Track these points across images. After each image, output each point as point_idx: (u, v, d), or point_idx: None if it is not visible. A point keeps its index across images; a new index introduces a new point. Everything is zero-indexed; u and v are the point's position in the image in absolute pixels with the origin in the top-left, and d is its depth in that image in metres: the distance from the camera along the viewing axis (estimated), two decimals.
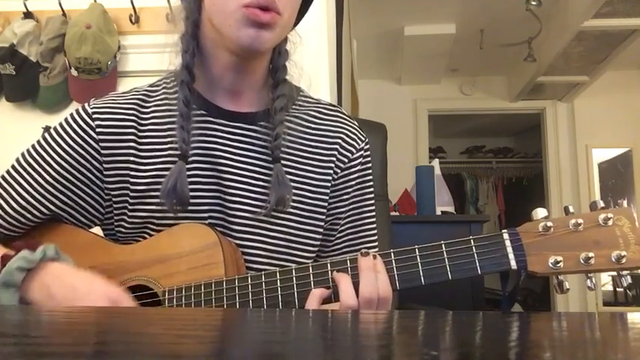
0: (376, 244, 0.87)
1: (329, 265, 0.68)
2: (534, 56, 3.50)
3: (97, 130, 0.78)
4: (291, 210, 0.79)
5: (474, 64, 4.23)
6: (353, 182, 0.85)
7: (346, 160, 0.84)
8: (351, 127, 0.86)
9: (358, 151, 0.85)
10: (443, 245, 0.65)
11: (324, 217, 0.82)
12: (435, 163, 2.39)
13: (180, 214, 0.76)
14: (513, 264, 0.63)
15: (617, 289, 4.14)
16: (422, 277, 0.65)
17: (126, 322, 0.44)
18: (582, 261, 0.60)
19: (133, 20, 1.62)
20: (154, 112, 0.80)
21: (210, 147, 0.78)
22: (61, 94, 1.60)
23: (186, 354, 0.29)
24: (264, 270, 0.71)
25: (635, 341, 0.35)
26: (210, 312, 0.60)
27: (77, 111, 0.80)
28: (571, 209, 0.65)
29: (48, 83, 1.59)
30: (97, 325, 0.42)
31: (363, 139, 0.87)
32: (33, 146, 0.80)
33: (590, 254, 0.60)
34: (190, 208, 0.76)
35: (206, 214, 0.77)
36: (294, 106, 0.84)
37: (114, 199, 0.79)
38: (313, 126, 0.84)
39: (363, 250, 0.67)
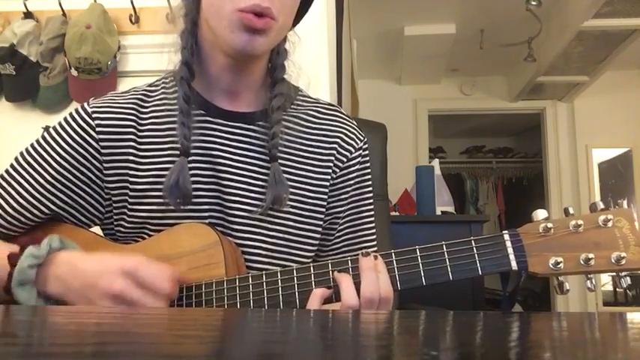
0: (375, 243, 0.87)
1: (330, 265, 0.68)
2: (534, 56, 3.50)
3: (97, 129, 0.78)
4: (291, 209, 0.79)
5: (474, 64, 4.23)
6: (351, 182, 0.85)
7: (345, 160, 0.84)
8: (350, 127, 0.86)
9: (357, 150, 0.85)
10: (444, 246, 0.65)
11: (323, 216, 0.82)
12: (435, 163, 2.39)
13: (180, 214, 0.76)
14: (514, 265, 0.63)
15: (617, 290, 4.14)
16: (423, 278, 0.65)
17: (126, 322, 0.44)
18: (582, 262, 0.61)
19: (133, 20, 1.62)
20: (153, 111, 0.80)
21: (209, 147, 0.78)
22: (61, 94, 1.60)
23: (186, 354, 0.29)
24: (264, 269, 0.71)
25: (635, 341, 0.35)
26: (210, 312, 0.60)
27: (77, 110, 0.80)
28: (571, 210, 0.65)
29: (48, 83, 1.59)
30: (97, 325, 0.42)
31: (362, 138, 0.87)
32: (32, 145, 0.80)
33: (590, 255, 0.60)
34: (190, 207, 0.76)
35: (206, 214, 0.77)
36: (292, 106, 0.84)
37: (113, 199, 0.79)
38: (312, 125, 0.84)
39: (364, 251, 0.67)
